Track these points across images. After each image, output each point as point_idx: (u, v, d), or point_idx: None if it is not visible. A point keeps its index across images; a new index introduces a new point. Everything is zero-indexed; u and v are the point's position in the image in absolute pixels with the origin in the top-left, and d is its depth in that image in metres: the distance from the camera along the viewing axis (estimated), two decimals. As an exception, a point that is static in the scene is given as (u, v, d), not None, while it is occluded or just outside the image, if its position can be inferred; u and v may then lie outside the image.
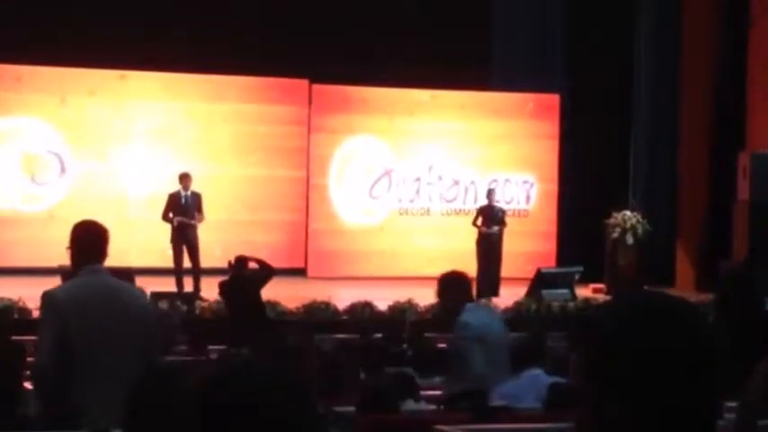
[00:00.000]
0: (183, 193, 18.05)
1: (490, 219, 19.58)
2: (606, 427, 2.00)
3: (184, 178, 18.25)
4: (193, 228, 17.89)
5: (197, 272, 17.70)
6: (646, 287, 19.19)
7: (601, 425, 2.01)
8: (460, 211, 22.47)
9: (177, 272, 17.77)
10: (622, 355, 1.99)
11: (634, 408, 1.98)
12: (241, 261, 15.12)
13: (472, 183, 22.81)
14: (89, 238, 6.60)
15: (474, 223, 19.68)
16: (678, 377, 1.99)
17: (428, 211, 22.90)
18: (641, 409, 1.98)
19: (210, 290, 16.35)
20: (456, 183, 22.94)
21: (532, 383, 8.18)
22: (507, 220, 19.99)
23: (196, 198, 18.11)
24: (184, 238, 17.80)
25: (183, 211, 17.89)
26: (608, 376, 2.00)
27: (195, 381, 2.06)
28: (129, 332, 6.36)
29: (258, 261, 14.97)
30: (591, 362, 2.02)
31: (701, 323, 2.05)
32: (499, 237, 19.63)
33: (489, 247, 19.42)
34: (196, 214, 18.01)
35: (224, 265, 16.54)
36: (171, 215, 17.96)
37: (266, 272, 14.86)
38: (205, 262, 17.99)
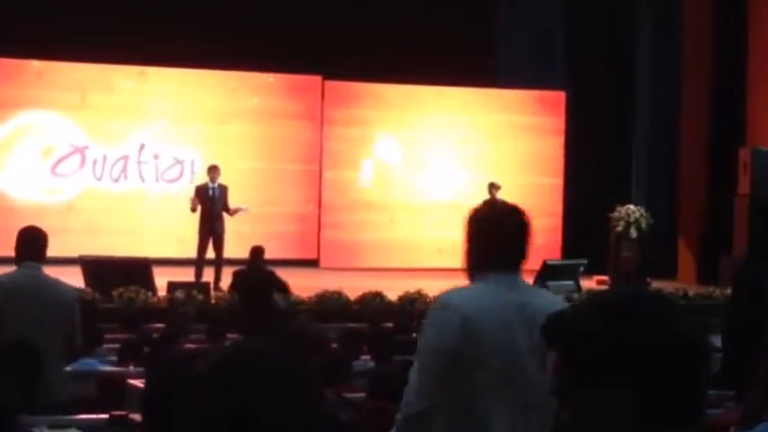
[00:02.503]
0: (210, 185, 18.01)
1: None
2: (586, 424, 2.01)
3: (212, 170, 18.17)
4: (221, 220, 17.83)
5: (220, 263, 17.61)
6: (648, 279, 19.20)
7: (581, 422, 2.01)
8: (468, 204, 22.43)
9: (199, 261, 17.68)
10: (601, 353, 1.99)
11: (615, 403, 1.99)
12: (257, 251, 15.18)
13: (480, 177, 22.79)
14: (28, 242, 7.65)
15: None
16: (657, 372, 1.99)
17: (437, 204, 22.90)
18: (621, 403, 1.98)
19: (226, 279, 16.38)
20: (464, 176, 22.94)
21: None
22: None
23: (223, 190, 18.05)
24: (211, 229, 17.74)
25: (210, 203, 17.84)
26: (594, 372, 2.00)
27: (203, 365, 2.08)
28: (49, 319, 7.40)
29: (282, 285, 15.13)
30: (570, 361, 2.03)
31: (685, 318, 2.05)
32: None
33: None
34: (229, 207, 17.95)
35: (238, 255, 16.58)
36: (199, 206, 17.88)
37: (284, 287, 15.04)
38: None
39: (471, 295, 4.42)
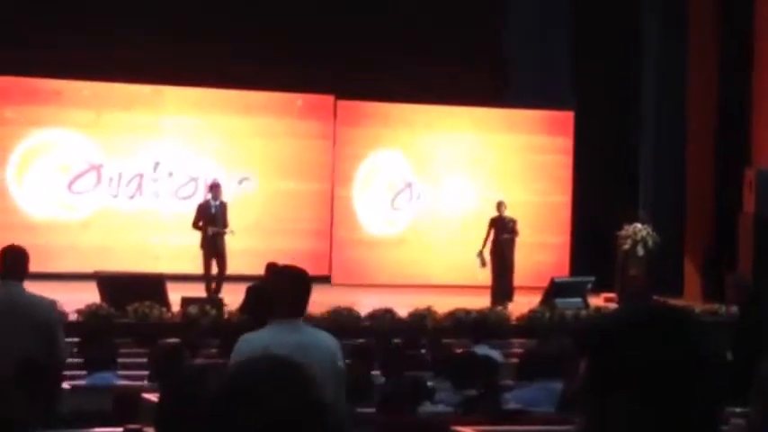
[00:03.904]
0: (212, 203, 18.02)
1: (501, 229, 19.49)
2: None
3: (215, 188, 18.22)
4: (222, 237, 17.87)
5: (221, 278, 17.67)
6: (655, 297, 19.14)
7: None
8: (477, 221, 22.43)
9: (207, 278, 17.73)
10: (620, 363, 1.99)
11: (631, 415, 1.98)
12: (272, 268, 15.12)
13: (489, 195, 22.78)
14: (10, 261, 7.82)
15: (487, 234, 19.59)
16: (673, 385, 1.98)
17: (447, 221, 22.90)
18: (638, 415, 1.98)
19: (239, 295, 16.34)
20: (473, 195, 22.93)
21: (550, 393, 8.11)
22: (521, 230, 19.86)
23: (223, 207, 18.09)
24: (214, 246, 17.77)
25: (212, 220, 17.82)
26: (607, 383, 2.00)
27: (214, 383, 2.08)
28: (26, 334, 7.53)
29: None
30: (593, 370, 2.03)
31: (699, 333, 2.04)
32: (511, 246, 19.54)
33: (501, 257, 19.35)
34: (228, 224, 17.97)
35: (251, 272, 16.56)
36: (201, 223, 17.90)
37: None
38: (233, 269, 17.98)
39: (261, 336, 5.94)
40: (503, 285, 19.19)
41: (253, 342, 5.85)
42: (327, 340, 5.98)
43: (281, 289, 6.02)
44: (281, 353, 5.21)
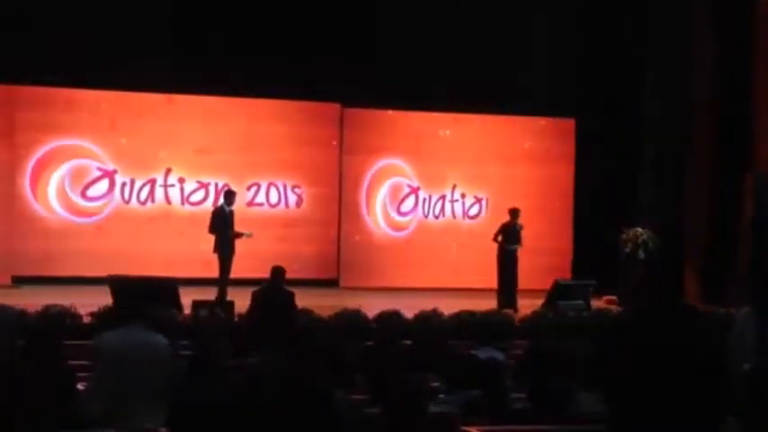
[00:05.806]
0: (227, 209, 18.01)
1: (510, 235, 19.41)
2: (612, 420, 2.00)
3: (231, 195, 18.19)
4: (234, 242, 17.88)
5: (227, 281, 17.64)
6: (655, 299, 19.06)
7: (609, 420, 2.00)
8: (482, 226, 22.43)
9: (227, 281, 17.58)
10: (613, 357, 1.98)
11: (628, 403, 1.97)
12: (278, 272, 15.09)
13: (493, 200, 22.79)
14: None
15: (495, 239, 19.51)
16: (668, 376, 1.97)
17: (452, 226, 22.89)
18: (636, 404, 1.96)
19: (246, 299, 16.31)
20: (477, 200, 22.93)
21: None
22: (525, 234, 19.78)
23: (232, 214, 18.09)
24: (233, 250, 17.76)
25: (231, 225, 17.84)
26: (604, 376, 1.99)
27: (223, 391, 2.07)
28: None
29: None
30: (595, 364, 2.02)
31: (704, 326, 2.03)
32: (516, 254, 19.43)
33: (509, 263, 19.27)
34: (237, 231, 17.94)
35: (259, 275, 16.52)
36: (222, 229, 17.81)
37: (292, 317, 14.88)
38: (242, 272, 17.94)
39: (115, 334, 7.23)
40: (507, 294, 19.09)
41: (112, 340, 7.16)
42: (165, 341, 7.28)
43: (127, 300, 7.49)
44: (139, 351, 6.86)
